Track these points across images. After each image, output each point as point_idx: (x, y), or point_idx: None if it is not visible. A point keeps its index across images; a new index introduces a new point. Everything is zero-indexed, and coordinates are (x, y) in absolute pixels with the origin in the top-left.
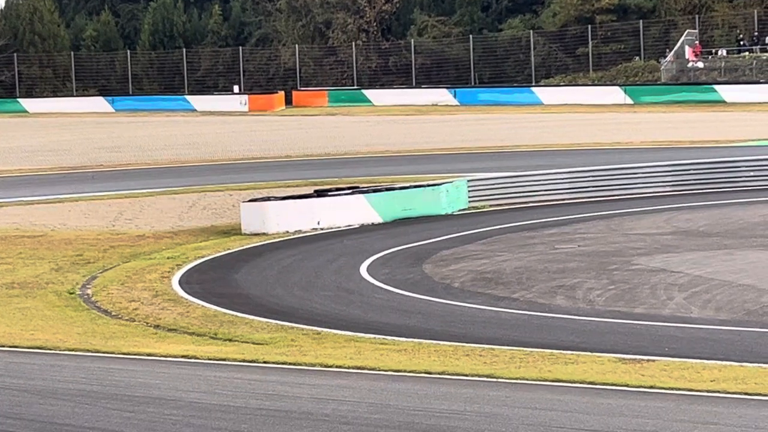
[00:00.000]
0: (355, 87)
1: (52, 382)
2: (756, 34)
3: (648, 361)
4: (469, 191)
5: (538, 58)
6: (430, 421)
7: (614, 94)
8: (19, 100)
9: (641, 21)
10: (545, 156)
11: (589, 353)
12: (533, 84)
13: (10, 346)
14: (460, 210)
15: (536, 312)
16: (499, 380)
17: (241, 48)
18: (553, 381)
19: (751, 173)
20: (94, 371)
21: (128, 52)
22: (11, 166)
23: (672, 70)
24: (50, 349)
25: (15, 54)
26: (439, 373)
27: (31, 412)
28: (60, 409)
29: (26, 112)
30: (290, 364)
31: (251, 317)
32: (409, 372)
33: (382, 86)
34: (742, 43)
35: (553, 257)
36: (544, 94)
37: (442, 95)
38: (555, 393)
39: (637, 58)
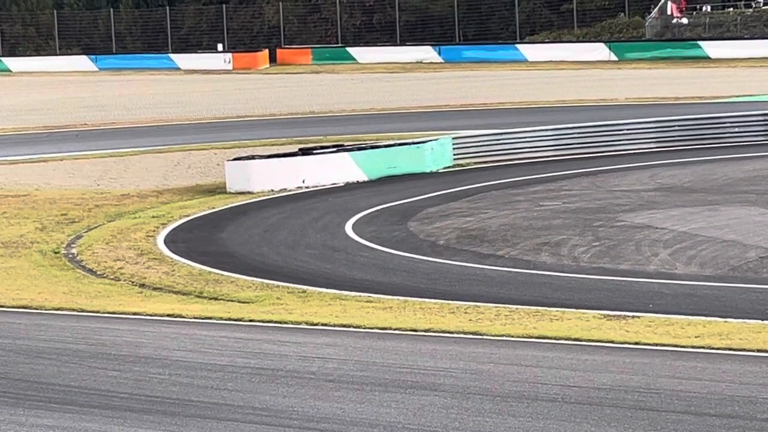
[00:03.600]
0: (340, 45)
1: (38, 341)
2: None
3: (633, 317)
4: (453, 149)
5: (523, 15)
6: (416, 378)
7: (599, 51)
8: (2, 59)
9: None
10: (530, 113)
11: (574, 310)
12: (518, 41)
13: None
14: (444, 168)
15: (521, 269)
16: (485, 337)
17: (224, 6)
18: (538, 338)
19: (736, 129)
20: (79, 330)
21: (111, 10)
22: None
23: (656, 27)
24: (35, 309)
25: None
26: (424, 331)
27: (17, 371)
28: (46, 369)
29: (9, 71)
30: (276, 322)
31: (237, 276)
32: (395, 330)
33: (367, 44)
34: None
35: (538, 214)
36: (529, 51)
37: (426, 53)
38: (540, 350)
39: (622, 14)
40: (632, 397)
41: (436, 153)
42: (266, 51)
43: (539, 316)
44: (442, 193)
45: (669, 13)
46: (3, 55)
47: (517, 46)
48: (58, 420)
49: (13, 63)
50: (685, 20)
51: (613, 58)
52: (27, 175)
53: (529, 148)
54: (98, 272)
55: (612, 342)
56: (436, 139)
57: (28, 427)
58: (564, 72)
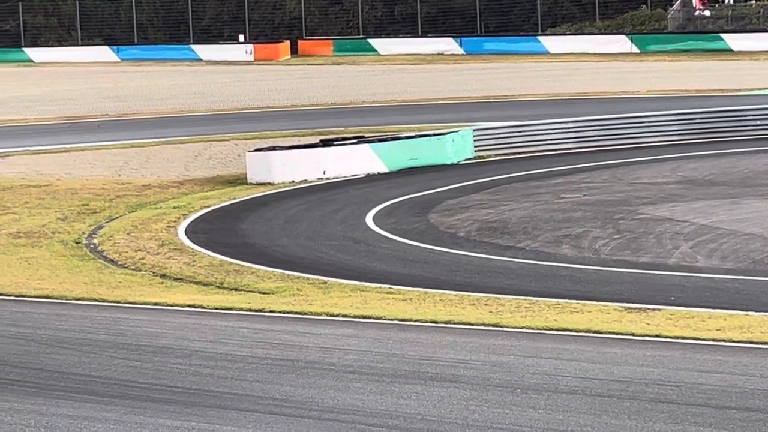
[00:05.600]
0: (361, 36)
1: (59, 331)
2: None
3: (653, 310)
4: (474, 141)
5: (545, 7)
6: (435, 370)
7: (620, 43)
8: (25, 49)
9: None
10: (551, 105)
11: (594, 302)
12: (539, 33)
13: (17, 296)
14: (465, 159)
15: (542, 261)
16: (505, 329)
17: None
18: (558, 330)
19: (758, 122)
20: (100, 320)
21: (133, 0)
22: (17, 116)
23: (679, 19)
24: (57, 299)
25: (20, 3)
26: (444, 323)
27: (38, 361)
28: (67, 358)
29: (31, 61)
30: (296, 313)
31: (257, 267)
32: (415, 321)
33: (388, 35)
34: None
35: (559, 207)
36: (551, 43)
37: (447, 44)
38: (560, 342)
39: (644, 6)
40: (652, 389)
41: (457, 145)
42: (287, 42)
43: (560, 308)
44: (462, 185)
45: (692, 5)
46: (25, 46)
47: (539, 38)
48: (78, 409)
49: (35, 53)
50: (707, 12)
51: (635, 50)
52: (49, 165)
53: (550, 140)
54: (119, 262)
55: (632, 334)
56: (457, 131)
57: (49, 417)
58: (585, 64)
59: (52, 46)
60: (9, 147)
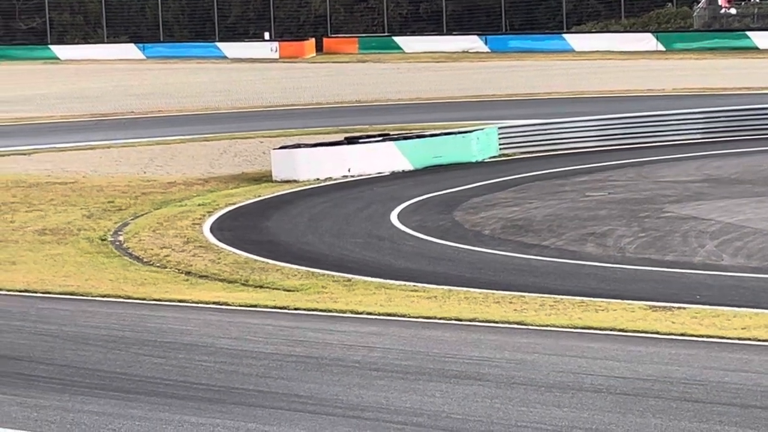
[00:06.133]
0: (386, 34)
1: (84, 328)
2: None
3: (678, 308)
4: (499, 138)
5: (570, 5)
6: (460, 368)
7: (646, 41)
8: (51, 46)
9: None
10: (576, 103)
11: (619, 301)
12: (564, 31)
13: (43, 292)
14: (490, 157)
15: (566, 259)
16: (530, 327)
17: None
18: (583, 328)
19: None
20: (125, 317)
21: None
22: (43, 113)
23: (704, 17)
24: (82, 296)
25: (46, 0)
26: (469, 320)
27: (63, 357)
28: (92, 355)
29: (57, 58)
30: (321, 310)
31: (282, 264)
32: (440, 319)
33: (413, 33)
34: None
35: (584, 205)
36: (576, 40)
37: (473, 42)
38: (585, 340)
39: (670, 4)
40: (677, 388)
41: (481, 143)
42: (313, 40)
43: (584, 306)
44: (487, 182)
45: (718, 3)
46: (51, 43)
47: (564, 35)
48: (104, 406)
49: (61, 51)
50: (733, 10)
51: (661, 48)
52: (74, 162)
53: (575, 138)
54: (144, 259)
55: (657, 333)
56: (482, 129)
57: (74, 413)
58: (611, 62)
59: (78, 43)
60: (35, 144)
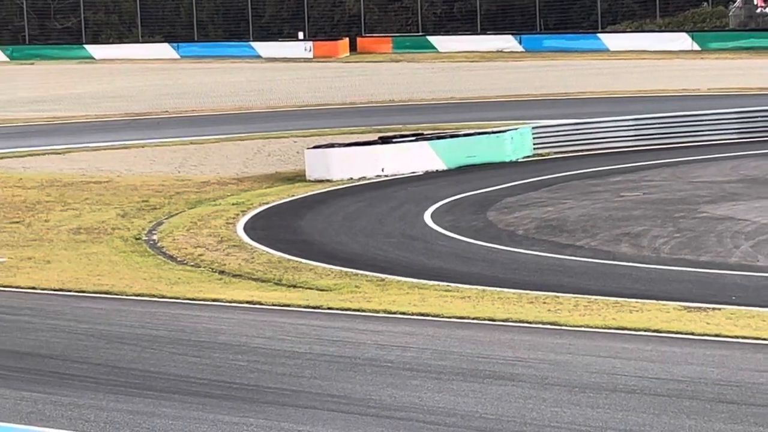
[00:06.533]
0: (420, 33)
1: (119, 326)
2: None
3: (713, 309)
4: (533, 138)
5: (605, 4)
6: (493, 368)
7: (681, 41)
8: (85, 46)
9: None
10: (611, 103)
11: (654, 301)
12: (599, 30)
13: (77, 291)
14: (524, 157)
15: (601, 260)
16: (563, 328)
17: None
18: (617, 329)
19: None
20: (159, 316)
21: None
22: (78, 113)
23: (740, 16)
24: (116, 294)
25: (81, 0)
26: (503, 320)
27: (98, 356)
28: (126, 354)
29: (92, 58)
30: (354, 310)
31: (316, 263)
32: (473, 319)
33: (447, 33)
34: None
35: (618, 205)
36: (610, 40)
37: (507, 42)
38: (619, 341)
39: (705, 4)
40: (712, 389)
41: (515, 142)
42: (347, 39)
43: (618, 307)
44: (521, 182)
45: (753, 2)
46: (86, 43)
47: (599, 35)
48: (138, 405)
49: (96, 50)
50: None
51: (696, 47)
52: (109, 161)
53: (610, 138)
54: (178, 259)
55: (692, 334)
56: (515, 129)
57: (108, 412)
58: (646, 62)
59: (112, 43)
60: (70, 143)
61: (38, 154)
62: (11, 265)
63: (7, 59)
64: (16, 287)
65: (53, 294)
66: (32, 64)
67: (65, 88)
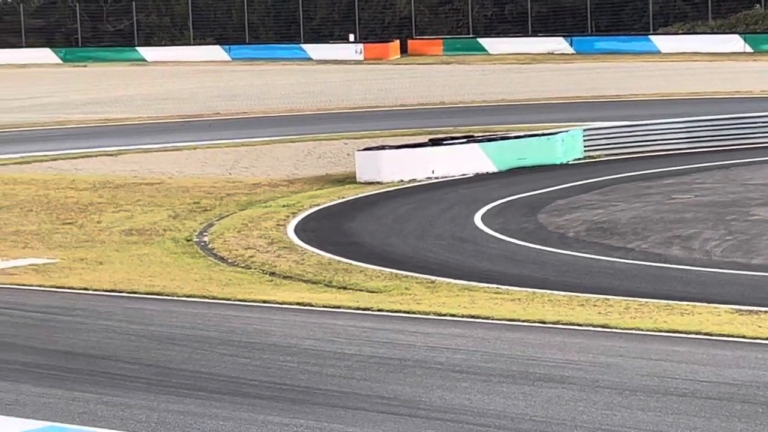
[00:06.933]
0: (471, 35)
1: (170, 327)
2: None
3: (766, 312)
4: (584, 140)
5: (656, 6)
6: (543, 371)
7: (733, 43)
8: (138, 48)
9: None
10: (662, 105)
11: (705, 304)
12: (651, 32)
13: (129, 292)
14: (575, 159)
15: (652, 262)
16: (614, 330)
17: None
18: (668, 332)
19: None
20: (210, 317)
21: (245, 0)
22: (130, 114)
23: None
24: (168, 295)
25: (133, 2)
26: (553, 323)
27: (149, 357)
28: (177, 355)
29: (144, 60)
30: (404, 312)
31: (366, 265)
32: (523, 321)
33: (498, 35)
34: None
35: (670, 207)
36: (662, 42)
37: (558, 43)
38: (670, 344)
39: (758, 5)
40: (764, 393)
41: (566, 144)
42: (397, 42)
43: (669, 309)
44: (572, 185)
45: None
46: (138, 45)
47: (650, 37)
48: (188, 406)
49: (148, 53)
50: None
51: (748, 49)
52: (161, 163)
53: (662, 140)
54: (229, 260)
55: (743, 337)
56: (567, 131)
57: (159, 412)
58: (698, 64)
59: (164, 45)
60: (122, 145)
61: (91, 156)
62: (64, 266)
63: (61, 61)
64: (69, 288)
65: (105, 295)
66: (85, 66)
67: (117, 90)
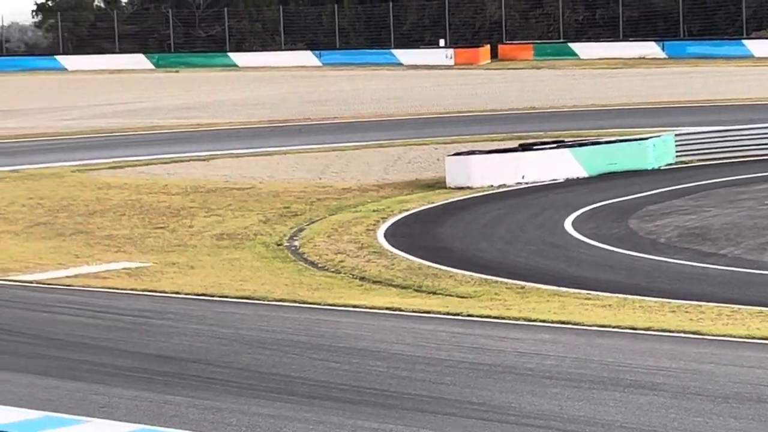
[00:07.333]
0: (561, 40)
1: (260, 331)
2: None
3: None
4: (676, 145)
5: (750, 10)
6: (634, 377)
7: None
8: (229, 54)
9: None
10: (756, 110)
11: None
12: (744, 36)
13: (220, 296)
14: (666, 164)
15: (745, 269)
16: (706, 337)
17: (447, 1)
18: (761, 339)
19: None
20: (300, 322)
21: (335, 6)
22: (222, 119)
23: None
24: (258, 300)
25: (225, 8)
26: (644, 329)
27: (239, 360)
28: (267, 359)
29: (236, 65)
30: (494, 317)
31: (455, 270)
32: (614, 327)
33: (589, 39)
34: None
35: (763, 213)
36: (756, 46)
37: (649, 48)
38: (763, 351)
39: None
40: None
41: (658, 149)
42: (488, 46)
43: (762, 316)
44: (663, 190)
45: None
46: (230, 51)
47: (744, 41)
48: (279, 409)
49: (240, 58)
50: None
51: None
52: (252, 168)
53: (756, 145)
54: (319, 265)
55: None
56: (658, 136)
57: (250, 416)
58: None
59: (256, 50)
60: (214, 150)
61: (182, 161)
62: (156, 269)
63: (153, 67)
64: (161, 292)
65: (196, 299)
66: (177, 71)
67: (209, 95)
